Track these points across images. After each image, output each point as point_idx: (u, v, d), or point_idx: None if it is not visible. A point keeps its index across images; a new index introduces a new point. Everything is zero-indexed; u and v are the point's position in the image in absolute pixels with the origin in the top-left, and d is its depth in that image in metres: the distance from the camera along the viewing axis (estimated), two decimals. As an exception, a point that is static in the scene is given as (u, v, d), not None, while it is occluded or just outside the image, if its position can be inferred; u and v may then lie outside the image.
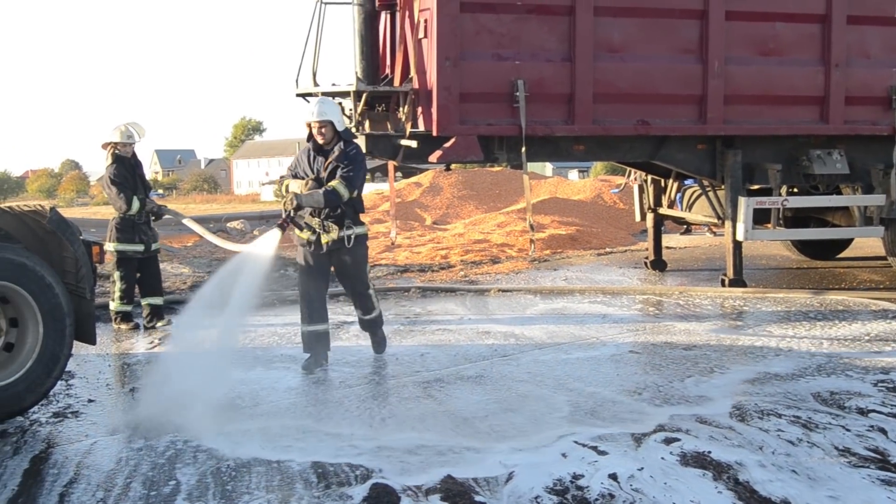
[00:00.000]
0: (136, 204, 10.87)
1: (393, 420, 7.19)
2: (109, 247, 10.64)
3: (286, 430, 6.98)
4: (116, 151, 11.04)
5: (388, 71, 12.89)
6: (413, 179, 30.60)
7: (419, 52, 11.66)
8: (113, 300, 11.14)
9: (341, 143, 8.72)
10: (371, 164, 69.15)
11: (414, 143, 11.75)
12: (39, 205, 7.79)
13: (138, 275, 11.18)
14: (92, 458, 6.49)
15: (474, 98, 11.57)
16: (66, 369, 7.98)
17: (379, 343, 9.50)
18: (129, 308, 11.15)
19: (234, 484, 5.86)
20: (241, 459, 6.31)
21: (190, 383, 7.57)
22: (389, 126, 12.21)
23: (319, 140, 8.76)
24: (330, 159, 8.70)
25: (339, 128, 8.73)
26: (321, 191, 8.52)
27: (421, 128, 11.65)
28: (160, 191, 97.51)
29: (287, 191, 8.77)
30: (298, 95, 12.84)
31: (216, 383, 7.88)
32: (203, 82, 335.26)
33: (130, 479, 6.04)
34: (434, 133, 11.41)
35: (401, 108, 11.83)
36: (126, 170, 11.01)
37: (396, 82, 12.17)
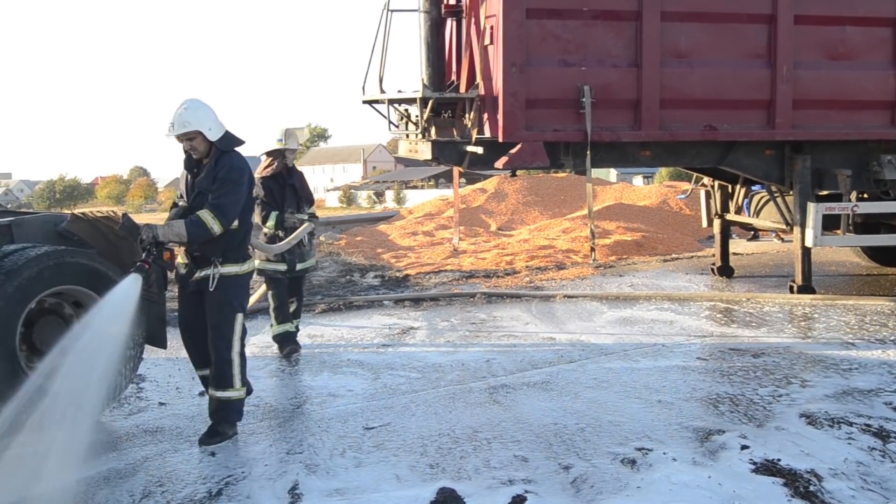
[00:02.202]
0: (270, 220, 9.77)
1: (459, 426, 7.21)
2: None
3: (356, 433, 7.05)
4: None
5: (454, 77, 12.94)
6: (478, 185, 30.61)
7: (485, 58, 11.68)
8: (272, 324, 10.17)
9: (215, 159, 6.91)
10: (435, 169, 68.88)
11: (480, 150, 11.77)
12: (112, 211, 7.94)
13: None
14: (163, 460, 6.59)
15: (540, 104, 11.55)
16: (137, 372, 8.11)
17: (210, 436, 7.00)
18: (285, 328, 10.06)
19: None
20: (311, 462, 6.39)
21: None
22: (455, 132, 12.25)
23: (194, 156, 6.99)
24: (198, 179, 7.02)
25: (213, 136, 6.85)
26: (184, 221, 6.81)
27: (487, 134, 11.66)
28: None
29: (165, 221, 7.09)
30: (365, 102, 12.93)
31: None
32: (269, 90, 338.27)
33: (203, 480, 6.13)
34: (500, 139, 11.41)
35: (467, 115, 11.85)
36: (274, 180, 9.91)
37: (462, 89, 12.20)
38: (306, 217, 9.93)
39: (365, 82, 12.90)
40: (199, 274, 6.91)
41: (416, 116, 12.30)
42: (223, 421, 7.02)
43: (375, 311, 12.62)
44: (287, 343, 10.03)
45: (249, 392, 7.40)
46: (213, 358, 6.94)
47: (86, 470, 6.39)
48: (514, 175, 23.19)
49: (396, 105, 12.88)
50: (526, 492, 5.72)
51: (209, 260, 6.85)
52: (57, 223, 7.85)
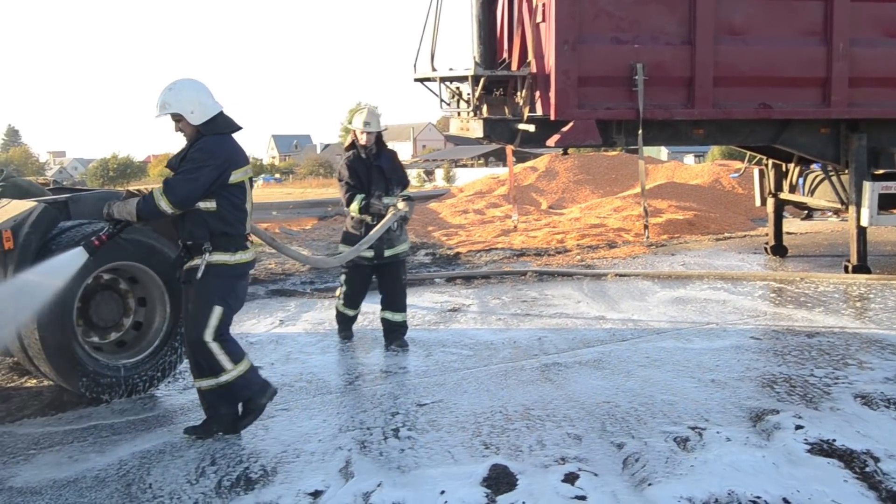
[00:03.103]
0: (354, 203, 9.13)
1: (512, 404, 7.22)
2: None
3: (408, 409, 7.09)
4: (354, 140, 9.40)
5: (505, 55, 12.90)
6: (529, 164, 30.50)
7: (537, 36, 11.63)
8: (337, 297, 9.78)
9: (192, 142, 6.54)
10: (485, 148, 68.63)
11: (531, 128, 11.73)
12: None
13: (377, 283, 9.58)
14: (216, 435, 6.65)
15: (592, 82, 11.50)
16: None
17: (194, 428, 6.69)
18: (349, 313, 9.66)
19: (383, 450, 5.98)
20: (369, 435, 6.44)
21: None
22: (507, 110, 12.22)
23: (184, 138, 6.65)
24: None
25: (195, 119, 6.44)
26: (134, 200, 6.49)
27: (539, 112, 11.62)
28: (277, 175, 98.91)
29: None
30: (417, 80, 12.93)
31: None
32: (319, 68, 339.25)
33: (255, 457, 6.19)
34: (552, 117, 11.37)
35: (518, 93, 11.81)
36: (360, 162, 9.32)
37: (514, 66, 12.17)
38: (396, 201, 9.15)
39: (416, 60, 12.90)
40: (189, 263, 6.51)
41: (468, 94, 12.27)
42: (209, 408, 6.64)
43: (427, 289, 12.64)
44: (345, 326, 9.72)
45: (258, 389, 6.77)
46: (186, 348, 6.67)
47: (141, 444, 6.49)
48: (565, 153, 23.11)
49: (448, 83, 12.86)
50: (579, 470, 5.71)
51: (200, 248, 6.42)
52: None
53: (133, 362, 7.56)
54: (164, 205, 6.27)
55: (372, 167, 9.22)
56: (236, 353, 6.59)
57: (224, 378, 6.50)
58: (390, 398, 7.49)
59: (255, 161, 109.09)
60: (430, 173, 77.60)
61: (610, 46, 11.50)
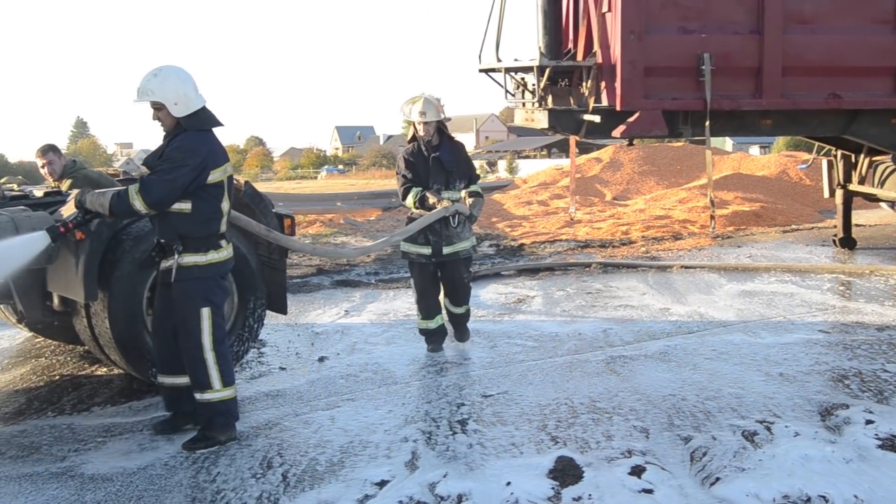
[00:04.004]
0: (409, 197, 8.67)
1: (577, 396, 7.19)
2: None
3: (473, 401, 7.10)
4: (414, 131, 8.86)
5: (570, 45, 12.83)
6: (593, 155, 30.38)
7: (603, 25, 11.56)
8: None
9: (172, 135, 6.30)
10: (548, 139, 68.21)
11: (597, 118, 11.67)
12: (235, 179, 8.07)
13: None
14: (283, 425, 6.71)
15: (659, 72, 11.42)
16: (259, 338, 8.27)
17: (193, 441, 6.36)
18: (429, 326, 8.91)
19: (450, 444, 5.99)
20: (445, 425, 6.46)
21: None
22: (572, 101, 12.16)
23: (162, 129, 6.43)
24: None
25: (178, 111, 6.21)
26: (112, 191, 6.31)
27: (604, 102, 11.56)
28: (340, 166, 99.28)
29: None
30: (482, 71, 12.91)
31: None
32: (383, 59, 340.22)
33: (322, 447, 6.23)
34: (618, 108, 11.31)
35: (584, 83, 11.76)
36: (417, 154, 8.77)
37: (579, 57, 12.11)
38: (458, 196, 8.67)
39: (481, 51, 12.88)
40: (164, 264, 6.32)
41: (533, 85, 12.24)
42: (209, 425, 6.35)
43: (491, 280, 12.63)
44: (429, 340, 8.94)
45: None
46: (185, 359, 6.37)
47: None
48: (630, 144, 22.95)
49: (513, 73, 12.83)
50: (646, 463, 5.69)
51: (172, 248, 6.25)
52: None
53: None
54: (139, 204, 6.07)
55: (430, 159, 8.68)
56: (228, 376, 6.37)
57: (209, 396, 6.29)
58: (455, 389, 7.50)
59: (318, 152, 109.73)
60: (492, 164, 77.47)
61: (676, 36, 11.42)
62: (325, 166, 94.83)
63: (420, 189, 8.62)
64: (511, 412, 6.82)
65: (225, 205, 6.41)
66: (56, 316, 7.56)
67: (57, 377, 8.27)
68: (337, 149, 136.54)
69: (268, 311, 8.12)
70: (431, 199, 8.53)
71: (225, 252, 6.44)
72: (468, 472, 5.65)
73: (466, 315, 9.14)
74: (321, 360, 8.58)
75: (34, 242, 6.28)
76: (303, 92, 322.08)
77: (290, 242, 7.99)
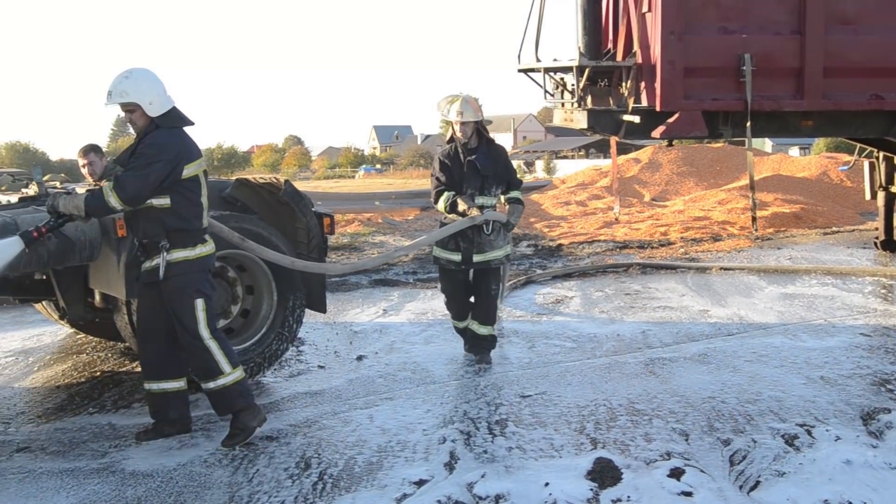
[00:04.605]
0: (440, 202, 8.33)
1: (616, 397, 7.17)
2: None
3: (512, 401, 7.09)
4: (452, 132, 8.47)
5: (610, 45, 12.80)
6: (632, 155, 30.30)
7: (643, 26, 11.53)
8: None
9: (144, 134, 6.26)
10: (586, 139, 67.98)
11: (636, 119, 11.64)
12: (275, 177, 8.12)
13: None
14: (321, 423, 6.74)
15: (699, 72, 11.38)
16: (298, 336, 8.30)
17: (232, 438, 6.37)
18: (459, 325, 8.72)
19: (488, 447, 6.00)
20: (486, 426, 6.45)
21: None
22: (611, 101, 12.13)
23: (133, 130, 6.42)
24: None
25: (153, 111, 6.18)
26: (85, 192, 6.23)
27: (644, 103, 11.53)
28: (378, 166, 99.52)
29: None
30: (521, 71, 12.90)
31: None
32: (420, 58, 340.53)
33: (360, 446, 6.24)
34: (657, 108, 11.28)
35: (623, 83, 11.73)
36: (453, 156, 8.39)
37: (619, 57, 12.09)
38: (493, 203, 8.38)
39: (520, 51, 12.87)
40: (148, 264, 6.27)
41: (572, 85, 12.22)
42: (236, 417, 6.36)
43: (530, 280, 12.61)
44: (466, 340, 8.70)
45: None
46: (185, 353, 6.37)
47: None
48: (669, 145, 22.89)
49: (552, 73, 12.82)
50: (685, 465, 5.65)
51: (157, 246, 6.19)
52: (222, 189, 8.05)
53: (240, 349, 7.66)
54: (114, 201, 6.00)
55: (466, 163, 8.28)
56: (233, 357, 6.38)
57: (222, 381, 6.28)
58: (494, 389, 7.49)
59: (356, 151, 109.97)
60: (529, 164, 77.37)
61: (717, 36, 11.38)
62: (363, 165, 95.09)
63: (452, 193, 8.24)
64: (549, 413, 6.80)
65: (204, 199, 6.40)
66: (97, 313, 7.63)
67: (98, 373, 8.34)
68: (375, 148, 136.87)
69: (307, 310, 8.15)
70: (462, 205, 8.14)
71: (210, 245, 6.45)
72: (506, 473, 5.64)
73: (491, 341, 8.57)
74: (359, 358, 8.60)
75: (9, 246, 6.10)
76: (341, 91, 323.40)
77: (267, 254, 7.43)
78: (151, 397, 6.51)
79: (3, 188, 8.22)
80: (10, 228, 6.69)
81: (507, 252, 8.51)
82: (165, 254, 6.15)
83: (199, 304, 6.25)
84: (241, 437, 6.30)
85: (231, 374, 6.30)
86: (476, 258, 8.28)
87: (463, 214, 8.15)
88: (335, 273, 7.52)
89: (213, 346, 6.25)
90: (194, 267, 6.27)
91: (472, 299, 8.63)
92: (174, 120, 6.27)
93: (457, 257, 8.31)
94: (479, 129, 8.39)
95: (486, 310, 8.48)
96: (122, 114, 6.23)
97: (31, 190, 7.76)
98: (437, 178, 8.39)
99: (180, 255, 6.20)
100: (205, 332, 6.24)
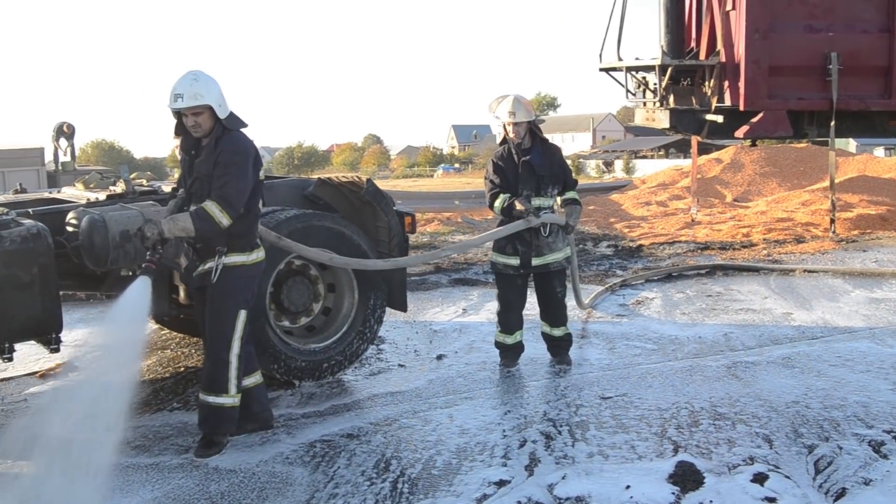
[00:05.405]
0: (497, 204, 8.06)
1: (698, 400, 7.09)
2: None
3: (592, 402, 7.05)
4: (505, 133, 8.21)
5: (693, 44, 12.70)
6: (713, 155, 29.97)
7: (727, 24, 11.42)
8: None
9: (216, 139, 6.09)
10: (666, 139, 67.36)
11: (719, 118, 11.55)
12: (357, 176, 8.17)
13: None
14: (401, 422, 6.76)
15: (784, 71, 11.26)
16: (378, 335, 8.33)
17: (206, 447, 6.24)
18: (506, 340, 8.33)
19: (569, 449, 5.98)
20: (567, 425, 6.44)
21: None
22: (694, 101, 12.03)
23: (196, 133, 6.14)
24: (196, 162, 6.21)
25: (222, 112, 6.05)
26: (188, 213, 6.06)
27: (727, 102, 11.43)
28: (456, 165, 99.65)
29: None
30: (602, 70, 12.85)
31: None
32: (500, 58, 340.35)
33: (440, 445, 6.26)
34: (741, 107, 11.18)
35: (706, 82, 11.63)
36: (507, 157, 8.12)
37: (702, 56, 11.99)
38: (550, 204, 8.16)
39: (602, 49, 12.83)
40: (202, 267, 6.20)
41: (654, 84, 12.14)
42: (216, 431, 6.26)
43: (610, 280, 12.52)
44: (503, 356, 8.38)
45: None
46: (207, 357, 6.28)
47: (330, 427, 6.63)
48: (753, 145, 22.60)
49: (634, 73, 12.75)
50: (769, 471, 5.58)
51: (213, 250, 6.10)
52: (304, 187, 8.12)
53: (321, 347, 7.73)
54: (226, 220, 5.93)
55: (520, 164, 8.02)
56: (241, 383, 6.27)
57: (222, 400, 6.16)
58: (574, 390, 7.46)
59: (435, 151, 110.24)
60: (608, 164, 77.01)
61: (803, 35, 11.24)
62: (441, 164, 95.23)
63: (508, 196, 7.99)
64: (630, 415, 6.76)
65: (261, 203, 6.38)
66: (182, 309, 7.73)
67: (182, 369, 8.47)
68: (453, 147, 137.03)
69: (388, 309, 8.19)
70: (519, 207, 7.90)
71: (263, 251, 6.39)
72: (587, 475, 5.62)
73: (567, 340, 8.45)
74: (439, 357, 8.62)
75: (143, 287, 5.92)
76: (421, 91, 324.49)
77: (307, 252, 7.32)
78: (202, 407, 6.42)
79: (91, 185, 8.28)
80: (137, 221, 6.68)
81: (566, 254, 8.33)
82: (224, 257, 6.08)
83: (243, 315, 6.19)
84: (216, 450, 6.22)
85: (233, 398, 6.21)
86: (535, 262, 8.09)
87: (520, 217, 7.96)
88: (375, 269, 7.53)
89: (234, 363, 6.16)
90: (247, 272, 6.22)
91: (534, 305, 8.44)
92: (237, 122, 6.17)
93: (515, 261, 8.11)
94: (533, 129, 8.12)
95: (556, 312, 8.34)
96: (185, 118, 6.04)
97: (119, 187, 7.88)
98: (492, 181, 8.15)
99: (238, 259, 6.14)
100: (236, 345, 6.16)
